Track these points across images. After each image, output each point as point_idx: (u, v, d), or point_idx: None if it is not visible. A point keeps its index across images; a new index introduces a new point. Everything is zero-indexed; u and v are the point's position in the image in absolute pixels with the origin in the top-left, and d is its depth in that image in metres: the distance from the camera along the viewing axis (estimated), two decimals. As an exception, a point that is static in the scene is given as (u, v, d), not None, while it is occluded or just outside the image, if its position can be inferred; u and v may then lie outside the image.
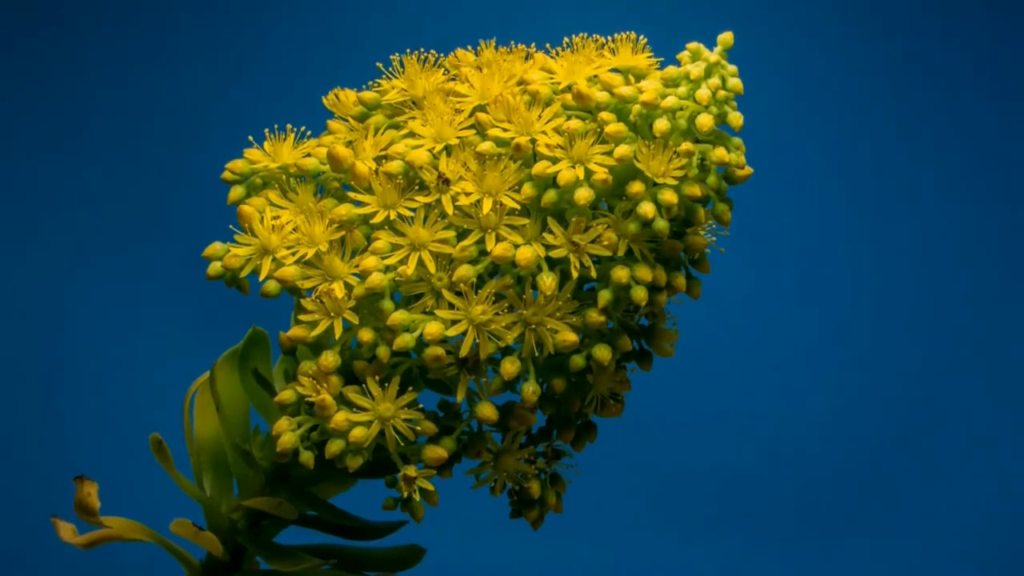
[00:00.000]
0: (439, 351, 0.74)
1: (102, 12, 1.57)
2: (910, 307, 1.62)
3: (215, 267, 0.80)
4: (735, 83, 0.78)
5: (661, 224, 0.75)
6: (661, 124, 0.76)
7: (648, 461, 1.52)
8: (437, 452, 0.77)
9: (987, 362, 1.61)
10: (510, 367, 0.75)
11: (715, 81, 0.77)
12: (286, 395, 0.77)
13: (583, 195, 0.74)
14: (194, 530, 0.82)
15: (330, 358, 0.76)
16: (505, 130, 0.77)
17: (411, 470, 0.77)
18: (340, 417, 0.75)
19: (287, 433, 0.76)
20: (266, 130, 0.83)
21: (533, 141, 0.77)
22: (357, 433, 0.75)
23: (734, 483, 1.57)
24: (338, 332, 0.75)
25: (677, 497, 1.56)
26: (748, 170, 0.78)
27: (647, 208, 0.74)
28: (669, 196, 0.75)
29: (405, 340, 0.75)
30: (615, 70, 0.80)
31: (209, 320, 1.44)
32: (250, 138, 0.83)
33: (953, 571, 1.54)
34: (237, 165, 0.83)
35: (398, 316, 0.75)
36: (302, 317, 0.77)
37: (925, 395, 1.59)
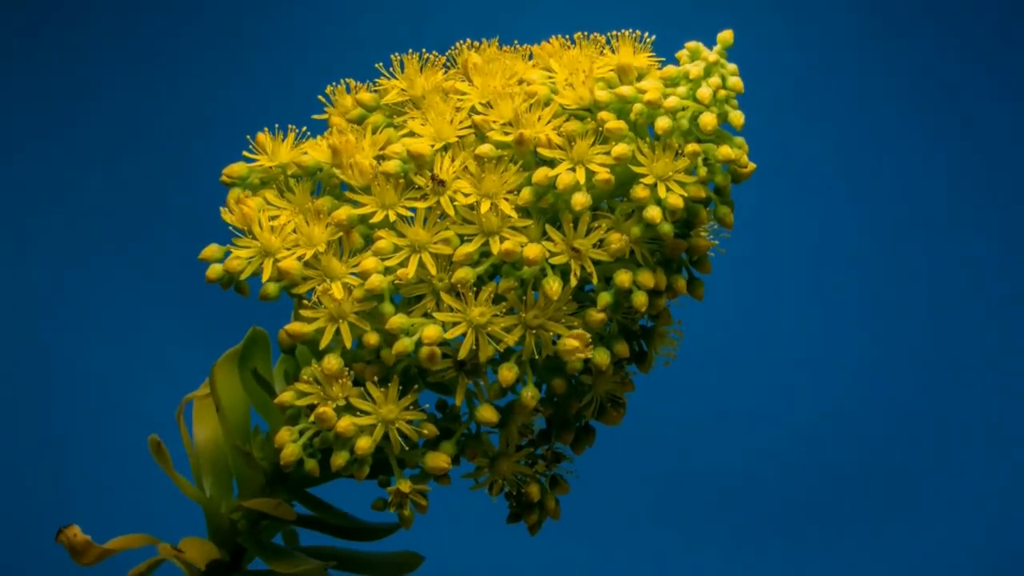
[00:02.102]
0: (433, 348, 0.74)
1: (102, 14, 1.56)
2: (911, 307, 1.61)
3: (215, 269, 0.79)
4: (735, 81, 0.77)
5: (667, 228, 0.75)
6: (663, 122, 0.75)
7: (647, 462, 1.52)
8: (439, 461, 0.77)
9: (989, 362, 1.61)
10: (508, 374, 0.75)
11: (716, 80, 0.77)
12: (287, 396, 0.76)
13: (579, 200, 0.74)
14: (174, 553, 0.82)
15: (333, 361, 0.75)
16: (507, 133, 0.76)
17: (405, 485, 0.76)
18: (345, 422, 0.75)
19: (289, 444, 0.76)
20: (265, 129, 0.83)
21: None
22: (362, 444, 0.74)
23: (734, 484, 1.56)
24: (347, 338, 0.75)
25: (676, 498, 1.55)
26: (751, 166, 0.78)
27: (654, 212, 0.74)
28: (675, 200, 0.74)
29: (404, 345, 0.74)
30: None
31: (209, 321, 1.44)
32: (248, 137, 0.83)
33: (954, 571, 1.53)
34: (234, 169, 0.83)
35: (397, 320, 0.74)
36: (305, 314, 0.76)
37: (926, 395, 1.59)
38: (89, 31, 1.56)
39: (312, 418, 0.75)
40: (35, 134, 1.56)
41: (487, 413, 0.76)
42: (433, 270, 0.75)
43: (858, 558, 1.54)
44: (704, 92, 0.76)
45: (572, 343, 0.75)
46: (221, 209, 0.79)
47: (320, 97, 0.85)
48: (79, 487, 1.47)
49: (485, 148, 0.76)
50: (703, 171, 0.76)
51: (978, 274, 1.62)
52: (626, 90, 0.77)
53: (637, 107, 0.76)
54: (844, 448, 1.58)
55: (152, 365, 1.51)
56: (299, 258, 0.76)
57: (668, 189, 0.74)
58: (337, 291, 0.75)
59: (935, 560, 1.53)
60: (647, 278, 0.76)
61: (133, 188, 1.55)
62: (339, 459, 0.75)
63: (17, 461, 1.48)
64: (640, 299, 0.76)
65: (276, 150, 0.82)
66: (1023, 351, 1.60)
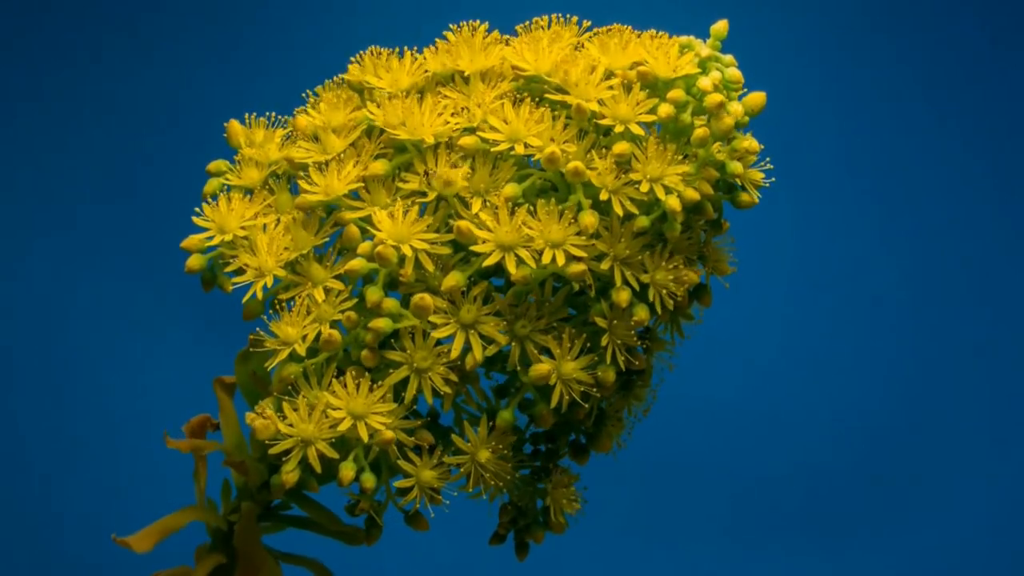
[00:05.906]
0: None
1: (101, 15, 1.57)
2: (913, 308, 1.60)
3: (197, 259, 0.80)
4: (733, 72, 0.76)
5: (676, 226, 0.73)
6: (665, 108, 0.74)
7: (647, 462, 1.51)
8: (428, 476, 0.76)
9: (991, 364, 1.59)
10: (543, 368, 0.73)
11: (716, 74, 0.75)
12: (264, 403, 0.75)
13: (589, 221, 0.72)
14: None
15: (334, 333, 0.74)
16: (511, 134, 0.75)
17: (365, 502, 0.76)
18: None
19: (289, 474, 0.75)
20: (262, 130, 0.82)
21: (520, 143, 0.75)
22: (387, 435, 0.73)
23: (734, 484, 1.56)
24: (325, 333, 0.74)
25: (677, 498, 1.55)
26: (758, 146, 0.76)
27: (673, 202, 0.72)
28: (691, 194, 0.73)
29: (385, 323, 0.73)
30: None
31: (209, 322, 1.44)
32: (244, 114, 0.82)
33: (954, 571, 1.53)
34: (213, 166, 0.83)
35: (389, 303, 0.73)
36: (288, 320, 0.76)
37: (927, 397, 1.58)
38: (94, 32, 1.56)
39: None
40: (35, 135, 1.56)
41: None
42: (431, 268, 0.74)
43: (858, 559, 1.54)
44: (704, 83, 0.75)
45: (543, 368, 0.73)
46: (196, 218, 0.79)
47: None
48: (78, 487, 1.47)
49: (468, 140, 0.75)
50: (723, 155, 0.74)
51: (981, 274, 1.60)
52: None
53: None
54: (845, 449, 1.57)
55: (152, 367, 1.51)
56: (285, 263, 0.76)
57: (667, 189, 0.73)
58: (319, 295, 0.74)
59: (936, 561, 1.52)
60: (643, 312, 0.74)
61: (133, 188, 1.56)
62: (348, 471, 0.74)
63: (16, 458, 1.48)
64: (642, 313, 0.74)
65: (266, 147, 0.82)
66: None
